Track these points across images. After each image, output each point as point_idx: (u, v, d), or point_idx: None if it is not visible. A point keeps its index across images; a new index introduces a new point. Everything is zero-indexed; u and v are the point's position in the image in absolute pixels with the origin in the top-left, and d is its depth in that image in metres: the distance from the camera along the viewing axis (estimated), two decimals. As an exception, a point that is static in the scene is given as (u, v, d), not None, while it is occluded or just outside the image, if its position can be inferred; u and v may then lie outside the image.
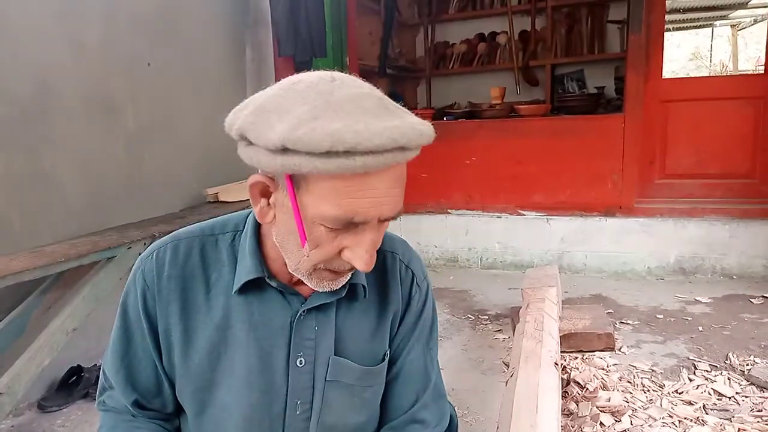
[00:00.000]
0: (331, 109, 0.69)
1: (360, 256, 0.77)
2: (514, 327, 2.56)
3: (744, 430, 1.84)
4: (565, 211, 3.78)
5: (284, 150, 0.69)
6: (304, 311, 0.90)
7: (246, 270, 0.88)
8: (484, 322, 3.00)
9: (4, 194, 2.17)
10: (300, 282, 0.88)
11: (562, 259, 3.76)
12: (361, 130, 0.67)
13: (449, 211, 4.06)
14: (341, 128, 0.66)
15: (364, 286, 0.93)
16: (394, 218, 0.78)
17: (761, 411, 1.96)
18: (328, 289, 0.85)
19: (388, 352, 0.98)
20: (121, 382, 0.93)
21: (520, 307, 2.58)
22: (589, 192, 3.74)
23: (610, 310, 3.03)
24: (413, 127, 0.71)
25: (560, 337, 2.34)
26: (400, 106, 0.77)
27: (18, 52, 2.21)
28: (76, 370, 2.34)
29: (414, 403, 1.00)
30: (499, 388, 2.17)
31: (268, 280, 0.88)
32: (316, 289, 0.85)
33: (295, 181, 0.74)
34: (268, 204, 0.81)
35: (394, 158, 0.70)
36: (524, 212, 3.89)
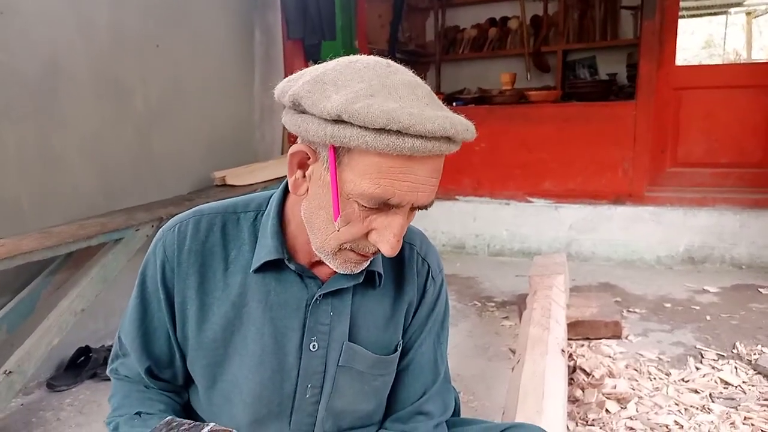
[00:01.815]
0: (386, 90, 0.71)
1: (387, 239, 0.78)
2: (521, 314, 2.55)
3: (750, 418, 1.84)
4: (574, 198, 3.76)
5: (338, 121, 0.70)
6: (320, 296, 0.90)
7: (267, 250, 0.88)
8: (491, 309, 3.00)
9: (14, 175, 2.18)
10: (319, 265, 0.89)
11: (571, 247, 3.74)
12: (416, 114, 0.68)
13: (457, 197, 4.05)
14: (397, 108, 0.68)
15: (380, 274, 0.93)
16: (425, 208, 0.79)
17: (767, 400, 1.95)
18: (350, 272, 0.86)
19: (401, 342, 0.99)
20: (136, 349, 0.95)
21: (527, 294, 2.58)
22: (599, 180, 3.71)
23: (618, 299, 3.02)
24: (461, 121, 0.73)
25: (567, 324, 2.33)
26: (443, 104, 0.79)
27: (28, 32, 2.20)
28: (85, 351, 2.37)
29: (421, 396, 1.01)
30: (505, 375, 2.17)
31: (287, 262, 0.89)
32: (338, 271, 0.85)
33: (338, 154, 0.74)
34: (304, 176, 0.81)
35: (440, 147, 0.71)
36: (533, 199, 3.87)
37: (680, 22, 3.63)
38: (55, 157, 2.33)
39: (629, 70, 4.42)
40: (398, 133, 0.68)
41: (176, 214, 0.96)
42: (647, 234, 3.58)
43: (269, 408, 0.93)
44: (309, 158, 0.79)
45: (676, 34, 3.57)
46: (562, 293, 2.48)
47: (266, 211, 0.92)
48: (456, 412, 1.17)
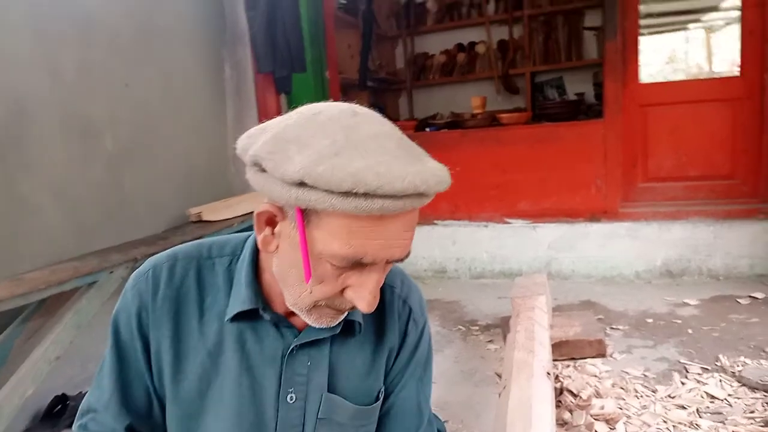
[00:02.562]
0: (353, 146, 0.68)
1: (363, 297, 0.76)
2: (505, 337, 2.54)
3: (738, 431, 1.84)
4: (550, 217, 3.79)
5: (302, 184, 0.67)
6: (297, 346, 0.87)
7: (240, 300, 0.85)
8: (475, 333, 2.99)
9: (-20, 222, 2.12)
10: (295, 314, 0.85)
11: (550, 266, 3.77)
12: (384, 173, 0.65)
13: (435, 221, 4.06)
14: (363, 168, 0.65)
15: (359, 323, 0.90)
16: (401, 260, 0.77)
17: (753, 412, 1.96)
18: (326, 326, 0.83)
19: (383, 389, 0.95)
20: (114, 405, 0.89)
21: (510, 317, 2.57)
22: (573, 198, 3.76)
23: (600, 316, 3.03)
24: (434, 174, 0.70)
25: (552, 345, 2.33)
26: (417, 146, 0.76)
27: (-8, 76, 2.17)
28: (61, 399, 2.29)
29: None
30: (492, 400, 2.14)
31: (262, 312, 0.86)
32: (313, 325, 0.83)
33: (306, 214, 0.72)
34: (273, 233, 0.79)
35: (412, 203, 0.69)
36: (510, 220, 3.90)
37: (642, 39, 3.74)
38: (23, 200, 2.28)
39: (596, 89, 4.52)
40: (366, 195, 0.65)
41: (151, 254, 0.94)
42: (624, 249, 3.62)
43: None
44: (277, 216, 0.76)
45: (637, 52, 3.67)
46: (545, 314, 2.48)
47: (241, 257, 0.89)
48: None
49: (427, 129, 4.27)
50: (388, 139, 0.72)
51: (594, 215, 3.72)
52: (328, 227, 0.70)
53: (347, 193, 0.65)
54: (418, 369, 0.99)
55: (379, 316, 0.94)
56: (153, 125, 2.94)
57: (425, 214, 4.05)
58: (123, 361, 0.90)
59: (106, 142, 2.69)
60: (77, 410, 2.28)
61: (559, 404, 2.08)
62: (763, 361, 2.32)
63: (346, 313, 0.84)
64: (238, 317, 0.86)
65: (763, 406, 1.98)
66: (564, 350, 2.53)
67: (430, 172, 0.69)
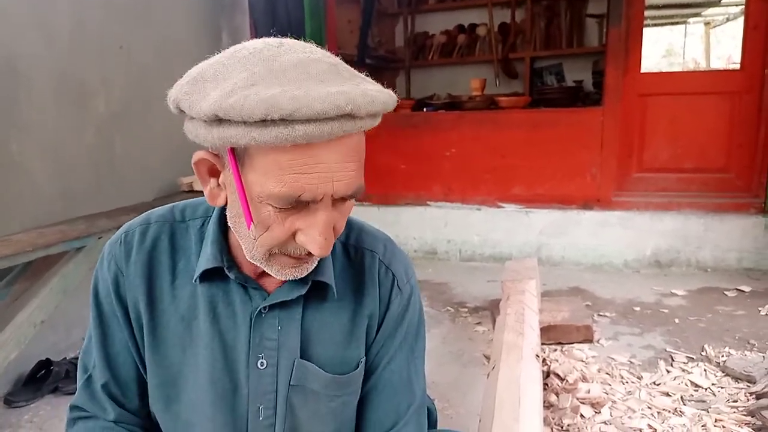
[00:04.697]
0: (272, 75, 0.64)
1: (313, 239, 0.71)
2: (494, 320, 2.55)
3: (721, 420, 1.86)
4: (544, 203, 3.79)
5: (218, 120, 0.63)
6: (265, 308, 0.84)
7: (206, 259, 0.82)
8: (464, 315, 2.99)
9: (-33, 181, 2.08)
10: (265, 276, 0.82)
11: (541, 252, 3.77)
12: (300, 96, 0.61)
13: (428, 203, 4.04)
14: (277, 94, 0.61)
15: (331, 286, 0.86)
16: (352, 197, 0.72)
17: (737, 401, 1.98)
18: (291, 277, 0.79)
19: (364, 359, 0.91)
20: (101, 378, 0.88)
21: (500, 300, 2.57)
22: (568, 185, 3.75)
23: (588, 303, 3.04)
24: (364, 93, 0.65)
25: (540, 329, 2.33)
26: (360, 74, 0.71)
27: (-18, 32, 2.11)
28: (45, 364, 2.26)
29: (396, 420, 0.92)
30: (479, 381, 2.15)
31: (227, 271, 0.82)
32: (277, 277, 0.79)
33: (238, 156, 0.68)
34: (218, 185, 0.75)
35: (342, 127, 0.64)
36: (503, 204, 3.89)
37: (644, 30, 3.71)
38: (13, 163, 2.23)
39: (595, 78, 4.50)
40: (283, 121, 0.61)
41: (140, 223, 0.92)
42: (615, 238, 3.63)
43: (226, 431, 0.87)
44: (216, 165, 0.73)
45: (641, 41, 3.64)
46: (535, 298, 2.48)
47: (212, 217, 0.86)
48: (432, 424, 1.12)
49: (425, 109, 4.23)
50: (314, 64, 0.66)
51: (587, 203, 3.72)
52: (259, 166, 0.67)
53: (264, 122, 0.61)
54: (407, 341, 0.94)
55: (359, 281, 0.90)
56: (147, 90, 2.88)
57: (418, 195, 4.03)
58: (106, 332, 0.88)
59: (99, 105, 2.64)
60: (60, 375, 2.25)
61: (545, 387, 2.09)
62: (747, 353, 2.35)
63: (311, 265, 0.80)
64: (207, 278, 0.84)
65: (746, 396, 2.00)
66: (552, 335, 2.54)
67: (359, 92, 0.64)
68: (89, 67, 2.58)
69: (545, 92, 4.34)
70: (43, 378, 2.22)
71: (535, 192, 3.83)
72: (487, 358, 2.36)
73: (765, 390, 1.94)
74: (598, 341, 2.55)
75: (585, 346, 2.48)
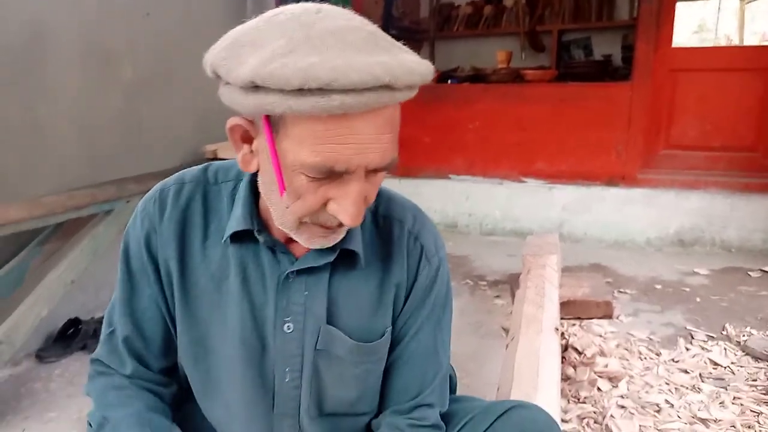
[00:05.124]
0: (310, 42, 0.63)
1: (345, 209, 0.71)
2: (513, 293, 2.55)
3: (739, 398, 1.86)
4: (567, 179, 3.75)
5: (255, 87, 0.63)
6: (292, 273, 0.85)
7: (236, 221, 0.84)
8: (483, 288, 3.00)
9: (-1, 144, 2.12)
10: (294, 241, 0.83)
11: (563, 228, 3.75)
12: (339, 65, 0.61)
13: (450, 176, 4.03)
14: (316, 63, 0.61)
15: (359, 254, 0.87)
16: (385, 169, 0.72)
17: (756, 381, 1.97)
18: (319, 246, 0.80)
19: (390, 329, 0.92)
20: (122, 331, 0.90)
21: (520, 274, 2.57)
22: (592, 161, 3.71)
23: (609, 279, 3.03)
24: (402, 64, 0.64)
25: (559, 304, 2.34)
26: (398, 43, 0.70)
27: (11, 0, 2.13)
28: (74, 323, 2.34)
29: (422, 389, 0.94)
30: (497, 353, 2.17)
31: (257, 234, 0.84)
32: (306, 246, 0.80)
33: (273, 123, 0.68)
34: (251, 151, 0.76)
35: (379, 99, 0.63)
36: (526, 179, 3.86)
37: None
38: (40, 125, 2.27)
39: (624, 52, 4.40)
40: (321, 91, 0.60)
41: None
42: (639, 216, 3.59)
43: (254, 389, 0.89)
44: (250, 131, 0.73)
45: (673, 15, 3.54)
46: (556, 273, 2.48)
47: (244, 180, 0.87)
48: (452, 389, 1.14)
49: (449, 81, 4.18)
50: (352, 32, 0.65)
51: (612, 180, 3.68)
52: (294, 135, 0.67)
53: (301, 91, 0.61)
54: (434, 312, 0.95)
55: (386, 250, 0.91)
56: (172, 57, 2.90)
57: (440, 168, 4.01)
58: (135, 289, 0.90)
59: (125, 71, 2.66)
60: (89, 334, 2.32)
61: (563, 360, 2.10)
62: (769, 333, 2.33)
63: (342, 233, 0.81)
64: (238, 240, 0.85)
65: (766, 375, 1.99)
66: (571, 310, 2.54)
67: (397, 63, 0.64)
68: (115, 34, 2.59)
69: (572, 66, 4.26)
70: (72, 336, 2.30)
71: (558, 167, 3.79)
72: (506, 330, 2.38)
73: (786, 370, 1.93)
74: (617, 317, 2.55)
75: (604, 322, 2.48)
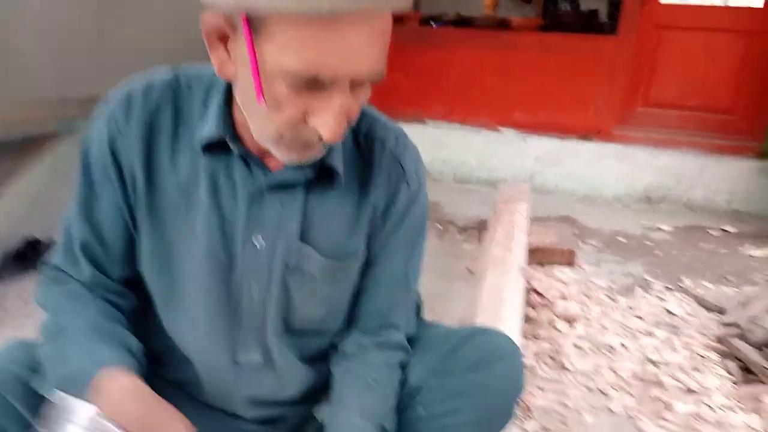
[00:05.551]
0: None
1: (326, 123, 0.68)
2: (482, 238, 2.58)
3: (689, 344, 1.93)
4: (543, 130, 3.75)
5: None
6: (267, 187, 0.82)
7: (208, 128, 0.80)
8: (452, 232, 3.03)
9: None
10: (270, 154, 0.80)
11: (534, 179, 3.77)
12: None
13: (427, 121, 3.99)
14: None
15: (338, 172, 0.84)
16: (373, 81, 0.69)
17: (707, 329, 2.05)
18: (297, 162, 0.77)
19: (363, 251, 0.91)
20: (80, 236, 0.86)
21: (489, 220, 2.60)
22: (570, 114, 3.70)
23: (576, 231, 3.08)
24: None
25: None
26: None
27: None
28: (33, 243, 2.28)
29: (390, 312, 0.95)
30: (463, 293, 2.21)
31: (230, 143, 0.80)
32: (284, 161, 0.77)
33: (253, 24, 0.64)
34: (228, 55, 0.71)
35: (372, 1, 0.61)
36: (502, 129, 3.85)
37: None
38: (4, 39, 2.15)
39: (610, 8, 4.34)
40: None
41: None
42: (610, 172, 3.63)
43: (219, 305, 0.87)
44: (226, 30, 0.69)
45: (663, -32, 3.49)
46: (525, 220, 2.51)
47: (217, 86, 0.82)
48: (418, 315, 1.15)
49: (432, 24, 4.08)
50: None
51: (587, 134, 3.69)
52: (277, 39, 0.63)
53: None
54: (409, 237, 0.94)
55: (366, 170, 0.88)
56: (144, -27, 2.75)
57: (417, 112, 3.97)
58: (96, 196, 0.85)
59: (93, -18, 2.52)
60: (47, 254, 2.27)
61: (525, 302, 2.15)
62: (723, 288, 2.41)
63: (321, 151, 0.78)
64: (210, 149, 0.81)
65: (717, 326, 2.07)
66: (536, 256, 2.58)
67: None
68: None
69: (559, 15, 4.20)
70: (31, 257, 2.24)
71: (536, 118, 3.78)
72: (472, 272, 2.41)
73: (735, 321, 2.01)
74: (580, 266, 2.60)
75: (567, 269, 2.53)
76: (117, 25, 2.66)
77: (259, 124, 0.73)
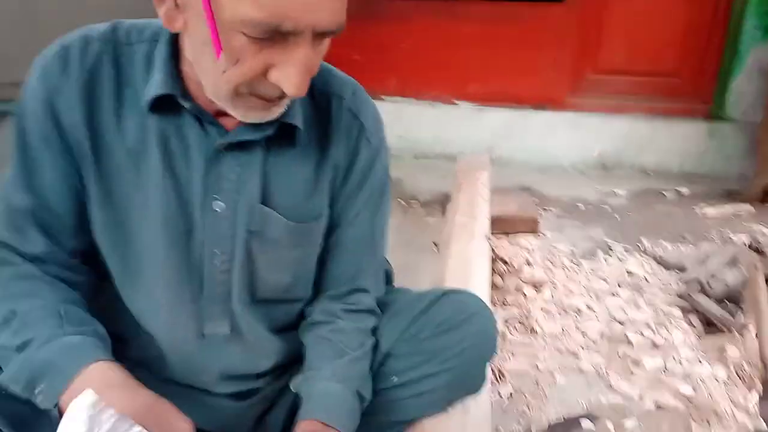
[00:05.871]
0: None
1: (289, 77, 0.65)
2: (445, 211, 2.56)
3: (653, 301, 1.97)
4: (497, 102, 3.75)
5: None
6: (223, 147, 0.77)
7: (156, 85, 0.74)
8: (414, 207, 3.00)
9: None
10: (224, 113, 0.74)
11: (492, 152, 3.75)
12: None
13: (382, 97, 3.92)
14: None
15: (298, 128, 0.80)
16: (333, 33, 0.66)
17: (668, 285, 2.10)
18: (257, 120, 0.73)
19: (326, 212, 0.88)
20: (24, 203, 0.77)
21: (451, 193, 2.58)
22: (522, 84, 3.71)
23: (535, 200, 3.10)
24: None
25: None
26: None
27: None
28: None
29: (357, 275, 0.93)
30: (429, 265, 2.18)
31: (181, 101, 0.74)
32: (242, 120, 0.72)
33: None
34: (176, 5, 0.66)
35: None
36: (458, 102, 3.83)
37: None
38: None
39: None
40: None
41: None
42: (564, 140, 3.66)
43: (179, 276, 0.82)
44: None
45: (608, -65, 3.50)
46: (486, 188, 2.50)
47: (161, 41, 0.76)
48: (389, 283, 1.13)
49: (381, -4, 4.00)
50: None
51: (540, 103, 3.71)
52: None
53: None
54: (373, 197, 0.91)
55: (323, 127, 0.85)
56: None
57: (371, 89, 3.86)
58: (35, 157, 0.76)
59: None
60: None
61: (491, 270, 2.14)
62: (681, 246, 2.47)
63: (282, 107, 0.74)
64: (158, 109, 0.75)
65: (677, 283, 2.11)
66: (499, 225, 2.58)
67: None
68: None
69: (507, -15, 4.16)
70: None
71: (490, 90, 3.77)
72: (437, 245, 2.39)
73: (695, 277, 2.05)
74: (542, 233, 2.62)
75: (530, 237, 2.54)
76: (47, 7, 2.50)
77: (213, 79, 0.68)
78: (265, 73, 0.66)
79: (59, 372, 0.68)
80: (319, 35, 0.65)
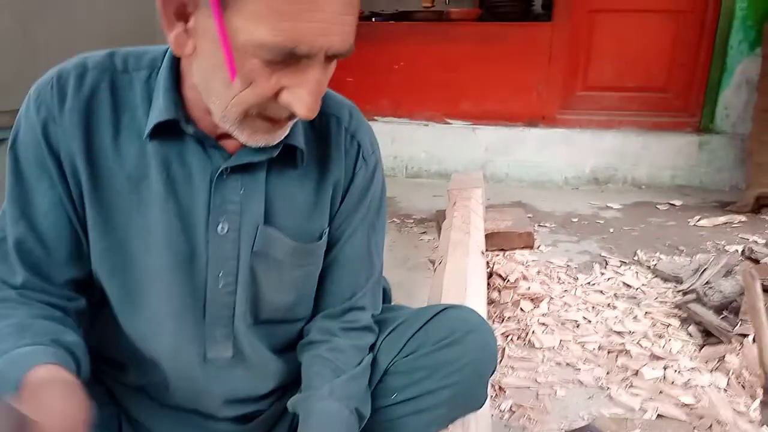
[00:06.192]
0: None
1: (301, 99, 0.65)
2: (440, 228, 2.57)
3: (650, 313, 1.97)
4: (490, 120, 3.79)
5: None
6: (227, 169, 0.77)
7: (159, 111, 0.74)
8: (409, 225, 3.01)
9: None
10: (226, 137, 0.76)
11: (486, 169, 3.80)
12: None
13: (376, 118, 3.96)
14: None
15: (301, 150, 0.81)
16: (344, 55, 0.67)
17: (665, 299, 2.10)
18: (263, 144, 0.73)
19: (327, 230, 0.88)
20: (14, 233, 0.77)
21: (445, 210, 2.59)
22: (514, 102, 3.75)
23: (530, 215, 3.11)
24: None
25: (484, 235, 2.37)
26: None
27: None
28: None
29: (354, 292, 0.93)
30: (425, 283, 2.19)
31: (184, 126, 0.75)
32: (247, 144, 0.73)
33: None
34: (185, 30, 0.67)
35: None
36: (451, 121, 3.87)
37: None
38: None
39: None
40: None
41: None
42: (557, 156, 3.70)
43: (183, 299, 0.82)
44: (187, 5, 0.64)
45: (593, -45, 3.58)
46: (480, 205, 2.51)
47: (161, 68, 0.77)
48: (387, 300, 1.13)
49: (374, 19, 4.07)
50: None
51: (532, 120, 3.75)
52: (249, 11, 0.60)
53: None
54: (369, 215, 0.92)
55: (323, 148, 0.86)
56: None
57: (365, 110, 3.89)
58: (30, 192, 0.77)
59: (13, -12, 2.38)
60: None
61: (488, 286, 2.14)
62: (676, 257, 2.47)
63: (286, 129, 0.75)
64: (159, 135, 0.75)
65: (674, 294, 2.12)
66: (495, 241, 2.59)
67: None
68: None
69: (496, 4, 4.23)
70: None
71: (482, 108, 3.81)
72: (432, 262, 2.39)
73: (691, 287, 2.06)
74: (538, 248, 2.63)
75: (526, 252, 2.55)
76: (43, 31, 2.52)
77: (224, 102, 0.68)
78: (276, 95, 0.67)
79: (6, 382, 0.66)
80: (329, 57, 0.66)
